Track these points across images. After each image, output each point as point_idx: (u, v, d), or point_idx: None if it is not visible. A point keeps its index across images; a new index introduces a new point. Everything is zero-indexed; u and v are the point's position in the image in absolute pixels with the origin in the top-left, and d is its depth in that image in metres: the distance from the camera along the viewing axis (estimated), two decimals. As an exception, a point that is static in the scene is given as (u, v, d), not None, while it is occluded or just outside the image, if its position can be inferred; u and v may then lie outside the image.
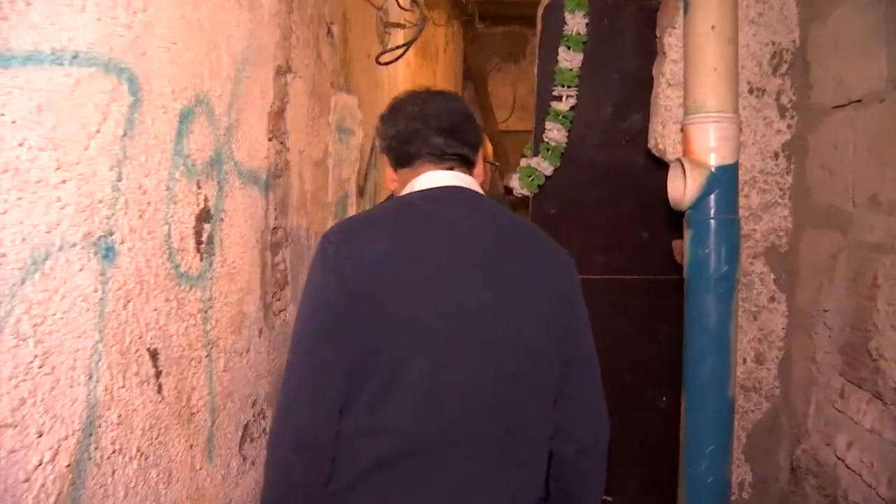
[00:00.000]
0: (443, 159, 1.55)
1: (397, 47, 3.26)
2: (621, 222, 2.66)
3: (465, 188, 1.53)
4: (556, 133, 2.52)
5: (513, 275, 1.44)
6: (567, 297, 1.51)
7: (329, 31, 2.98)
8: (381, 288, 1.39)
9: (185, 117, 1.52)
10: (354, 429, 1.39)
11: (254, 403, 1.98)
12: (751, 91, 2.35)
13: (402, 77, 4.48)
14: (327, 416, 1.39)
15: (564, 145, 2.58)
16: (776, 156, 2.36)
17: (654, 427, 2.69)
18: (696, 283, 2.20)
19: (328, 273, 1.41)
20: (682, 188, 2.20)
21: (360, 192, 3.64)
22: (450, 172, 1.54)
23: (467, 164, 1.58)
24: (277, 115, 2.47)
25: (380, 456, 1.38)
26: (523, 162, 2.61)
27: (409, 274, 1.41)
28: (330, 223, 3.04)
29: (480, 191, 1.58)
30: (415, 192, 1.53)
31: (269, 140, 2.25)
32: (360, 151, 3.59)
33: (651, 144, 2.44)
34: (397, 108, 1.64)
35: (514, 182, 2.60)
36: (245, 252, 1.90)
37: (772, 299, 2.37)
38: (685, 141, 2.22)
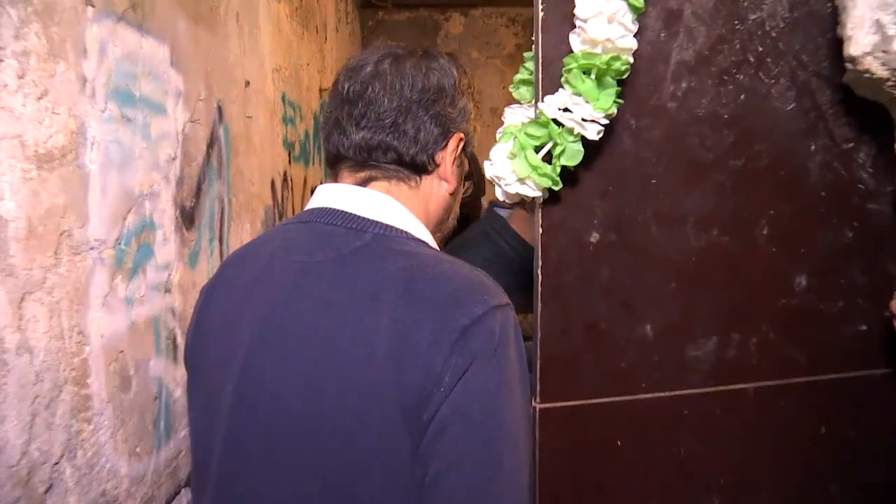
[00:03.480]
0: (362, 165, 1.12)
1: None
2: (757, 264, 1.12)
3: (351, 214, 1.08)
4: (608, 27, 0.93)
5: (334, 356, 0.99)
6: (419, 392, 0.94)
7: None
8: (194, 358, 1.17)
9: None
10: None
11: None
12: None
13: (267, 43, 2.88)
14: None
15: (630, 63, 1.00)
16: None
17: None
18: None
19: None
20: None
21: (189, 219, 2.03)
22: (343, 188, 1.13)
23: (408, 170, 1.12)
24: None
25: None
26: (510, 116, 1.03)
27: (216, 343, 1.11)
28: (99, 285, 1.54)
29: (397, 216, 1.09)
30: (290, 219, 1.19)
31: None
32: (185, 147, 1.99)
33: (854, 50, 0.91)
34: (336, 79, 1.19)
35: (497, 168, 1.02)
36: None
37: None
38: None
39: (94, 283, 1.48)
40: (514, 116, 1.03)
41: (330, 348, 1.00)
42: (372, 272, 1.02)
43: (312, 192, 1.32)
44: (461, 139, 1.16)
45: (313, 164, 3.70)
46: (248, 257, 1.17)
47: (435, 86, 1.14)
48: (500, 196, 1.04)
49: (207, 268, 2.14)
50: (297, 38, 3.46)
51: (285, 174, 3.10)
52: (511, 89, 1.09)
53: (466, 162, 1.23)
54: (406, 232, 1.10)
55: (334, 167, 1.18)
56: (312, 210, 1.14)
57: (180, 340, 1.95)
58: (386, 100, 1.12)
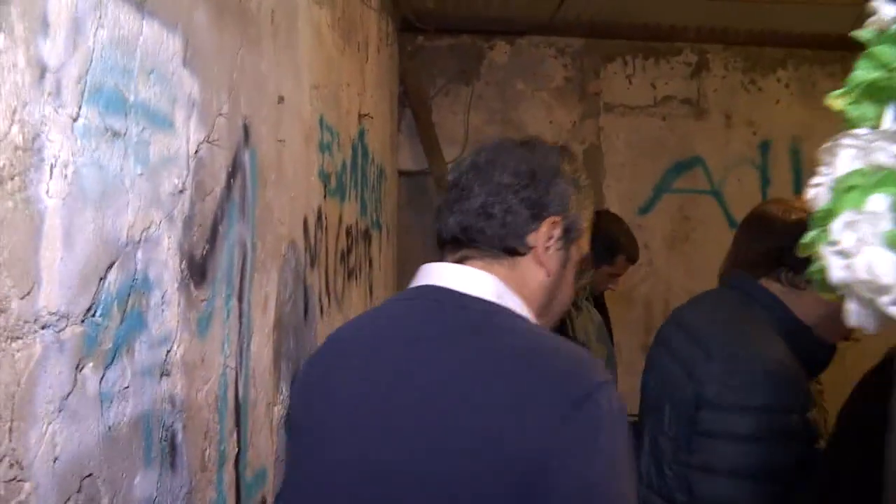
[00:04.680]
0: (458, 247, 1.24)
1: None
2: None
3: (455, 291, 1.16)
4: None
5: (449, 431, 1.05)
6: (531, 464, 1.00)
7: None
8: (296, 423, 1.26)
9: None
10: None
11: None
12: None
13: (306, 53, 2.37)
14: None
15: None
16: None
17: None
18: None
19: None
20: None
21: (199, 272, 1.51)
22: (443, 266, 1.23)
23: (500, 252, 1.21)
24: None
25: None
26: (846, 155, 0.50)
27: (319, 413, 1.20)
28: (53, 382, 1.03)
29: (498, 293, 1.17)
30: (395, 296, 1.32)
31: None
32: (199, 175, 1.47)
33: None
34: None
35: (867, 265, 0.49)
36: None
37: None
38: None
39: (45, 382, 0.95)
40: (858, 153, 0.50)
41: (444, 423, 1.05)
42: (481, 349, 1.09)
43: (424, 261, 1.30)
44: (555, 223, 1.22)
45: (349, 199, 3.17)
46: (354, 336, 1.26)
47: (527, 171, 1.23)
48: (854, 318, 0.52)
49: (222, 335, 1.60)
50: (339, 52, 2.96)
51: (319, 211, 2.57)
52: (835, 100, 0.57)
53: (576, 248, 1.28)
54: (509, 309, 1.17)
55: (439, 250, 1.29)
56: (418, 288, 1.21)
57: (181, 437, 1.41)
58: (476, 186, 1.22)
